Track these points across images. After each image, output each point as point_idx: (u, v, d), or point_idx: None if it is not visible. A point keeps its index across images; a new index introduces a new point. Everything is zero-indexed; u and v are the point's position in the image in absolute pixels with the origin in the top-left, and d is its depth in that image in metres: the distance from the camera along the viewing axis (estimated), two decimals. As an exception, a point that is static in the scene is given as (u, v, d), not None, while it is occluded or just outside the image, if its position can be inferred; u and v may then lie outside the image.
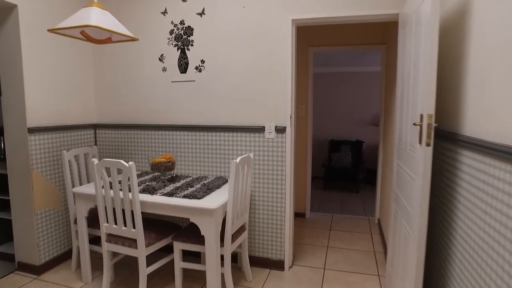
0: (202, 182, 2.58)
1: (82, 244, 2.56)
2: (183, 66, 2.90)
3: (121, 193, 2.26)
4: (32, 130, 2.65)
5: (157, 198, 2.23)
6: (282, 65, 2.64)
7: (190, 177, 2.82)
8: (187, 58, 2.88)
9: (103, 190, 2.27)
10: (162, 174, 2.57)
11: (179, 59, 2.90)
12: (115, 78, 3.17)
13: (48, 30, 2.00)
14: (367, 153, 6.58)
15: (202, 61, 2.84)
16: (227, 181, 2.70)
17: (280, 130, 2.68)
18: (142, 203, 2.23)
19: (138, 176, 2.85)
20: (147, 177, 2.78)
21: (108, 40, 2.21)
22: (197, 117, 2.91)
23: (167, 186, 2.45)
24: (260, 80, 2.70)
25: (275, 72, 2.66)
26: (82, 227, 2.53)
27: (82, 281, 2.65)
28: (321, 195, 5.39)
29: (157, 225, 2.48)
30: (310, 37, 3.93)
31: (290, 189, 2.74)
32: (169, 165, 2.52)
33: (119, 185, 2.35)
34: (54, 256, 2.91)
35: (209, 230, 2.13)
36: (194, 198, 2.21)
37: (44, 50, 2.75)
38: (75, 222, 2.75)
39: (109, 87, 3.21)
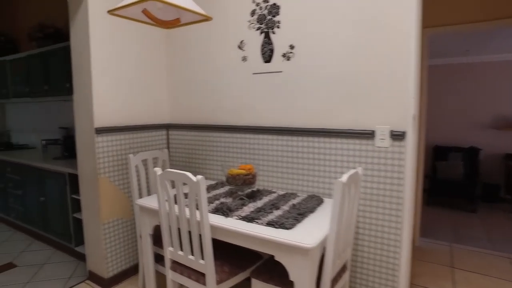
0: (290, 203, 1.98)
1: (147, 265, 2.17)
2: (267, 53, 2.34)
3: (187, 210, 1.78)
4: (99, 131, 2.36)
5: (232, 223, 1.70)
6: (400, 47, 1.89)
7: (275, 193, 2.24)
8: (271, 43, 2.31)
9: (167, 205, 1.82)
10: (239, 189, 2.04)
11: (262, 45, 2.35)
12: (189, 72, 2.76)
13: (108, 12, 1.62)
14: (485, 163, 5.29)
15: (291, 47, 2.24)
16: (322, 201, 2.06)
17: (398, 136, 1.93)
18: (213, 228, 1.72)
19: (212, 187, 2.37)
20: (221, 190, 2.29)
21: (176, 22, 1.76)
22: (283, 117, 2.32)
23: (245, 206, 1.91)
24: (368, 69, 1.99)
25: (390, 58, 1.92)
26: (147, 246, 2.13)
27: (146, 307, 2.27)
28: (427, 213, 4.39)
29: (232, 252, 1.95)
30: (425, 14, 3.05)
31: (409, 216, 1.98)
32: (249, 179, 1.98)
33: (186, 200, 1.88)
34: (122, 270, 2.61)
35: (301, 274, 1.52)
36: (281, 227, 1.62)
37: (113, 45, 2.44)
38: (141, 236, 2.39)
39: (182, 83, 2.82)
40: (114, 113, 2.47)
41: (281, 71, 2.29)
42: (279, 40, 2.28)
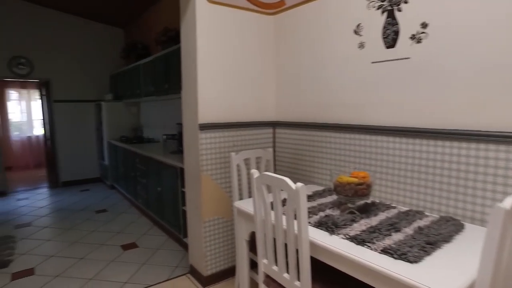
0: (415, 225, 1.53)
1: (241, 272, 2.02)
2: (390, 37, 1.91)
3: (285, 219, 1.53)
4: (203, 127, 2.32)
5: (337, 243, 1.37)
6: None
7: (394, 208, 1.80)
8: (397, 24, 1.87)
9: (263, 212, 1.61)
10: (349, 200, 1.69)
11: (384, 27, 1.93)
12: (297, 64, 2.51)
13: (208, 1, 1.49)
14: None
15: (423, 25, 1.76)
16: (462, 227, 1.54)
17: None
18: (313, 245, 1.42)
19: (318, 195, 2.06)
20: (329, 199, 1.97)
21: (281, 4, 1.52)
22: (411, 115, 1.85)
23: (356, 222, 1.55)
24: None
25: None
26: (242, 252, 1.98)
27: (240, 315, 2.13)
28: None
29: (338, 276, 1.62)
30: None
31: None
32: (362, 189, 1.61)
33: (284, 208, 1.63)
34: (220, 270, 2.55)
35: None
36: (402, 259, 1.22)
37: (219, 41, 2.37)
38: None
39: (290, 76, 2.59)
40: (218, 109, 2.40)
41: (408, 58, 1.83)
42: (407, 19, 1.82)
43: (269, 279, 1.68)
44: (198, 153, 2.34)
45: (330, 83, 2.27)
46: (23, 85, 7.91)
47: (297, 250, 1.42)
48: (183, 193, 3.09)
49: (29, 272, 2.91)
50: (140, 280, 2.69)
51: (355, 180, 1.61)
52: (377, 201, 1.94)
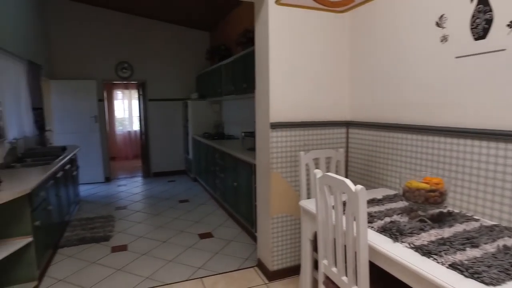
0: (500, 243, 1.34)
1: (304, 271, 2.03)
2: (480, 26, 1.70)
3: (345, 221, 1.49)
4: (274, 126, 2.37)
5: (399, 251, 1.29)
6: None
7: (477, 221, 1.60)
8: (490, 10, 1.65)
9: (324, 213, 1.59)
10: (420, 207, 1.57)
11: (473, 15, 1.72)
12: (372, 62, 2.39)
13: (275, 2, 1.53)
14: None
15: (524, 13, 1.53)
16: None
17: None
18: (373, 250, 1.36)
19: (388, 199, 1.95)
20: (399, 204, 1.85)
21: (349, 1, 1.48)
22: (502, 115, 1.63)
23: (424, 231, 1.44)
24: None
25: None
26: (306, 251, 1.98)
27: (302, 314, 2.14)
28: None
29: (396, 281, 1.52)
30: None
31: None
32: (434, 196, 1.48)
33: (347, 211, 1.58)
34: (286, 266, 2.59)
35: None
36: (475, 278, 1.09)
37: (290, 40, 2.40)
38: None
39: (365, 74, 2.48)
40: (290, 108, 2.43)
41: (503, 49, 1.61)
42: (504, 3, 1.60)
43: (328, 280, 1.67)
44: (268, 151, 2.40)
45: (407, 81, 2.12)
46: (125, 86, 9.04)
47: (356, 254, 1.38)
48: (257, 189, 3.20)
49: (123, 248, 3.35)
50: (212, 267, 2.88)
51: (426, 186, 1.49)
52: (456, 211, 1.76)
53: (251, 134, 4.35)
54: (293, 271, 2.59)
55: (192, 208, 4.63)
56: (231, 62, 4.53)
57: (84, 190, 5.57)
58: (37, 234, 2.61)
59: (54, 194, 3.28)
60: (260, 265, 2.72)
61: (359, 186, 1.28)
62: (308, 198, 2.32)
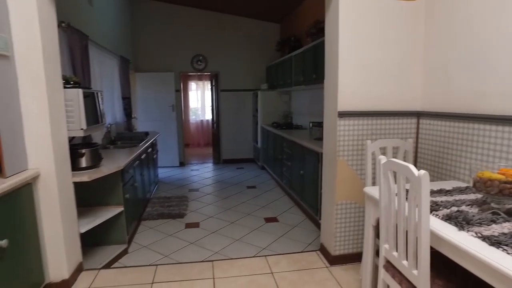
0: None
1: (366, 256, 2.06)
2: None
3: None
4: (342, 114, 2.41)
5: (464, 239, 1.28)
6: None
7: (557, 217, 1.49)
8: None
9: (387, 198, 1.62)
10: (494, 200, 1.50)
11: None
12: (450, 48, 2.27)
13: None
14: None
15: None
16: None
17: None
18: (436, 237, 1.37)
19: (459, 191, 1.88)
20: (470, 196, 1.77)
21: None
22: None
23: (496, 223, 1.39)
24: None
25: None
26: (368, 237, 2.02)
27: (363, 298, 2.18)
28: None
29: (456, 268, 1.50)
30: None
31: None
32: (511, 189, 1.42)
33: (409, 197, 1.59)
34: (348, 252, 2.63)
35: None
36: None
37: (360, 27, 2.40)
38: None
39: (441, 62, 2.36)
40: (358, 97, 2.44)
41: None
42: None
43: (389, 264, 1.69)
44: (335, 139, 2.46)
45: (489, 69, 1.99)
46: (199, 78, 9.63)
47: (417, 238, 1.39)
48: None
49: (196, 225, 3.69)
50: (275, 249, 3.04)
51: (501, 177, 1.42)
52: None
53: (319, 124, 4.38)
54: (355, 257, 2.63)
55: (259, 194, 4.85)
56: (301, 53, 4.60)
57: (161, 172, 6.17)
58: (127, 205, 3.03)
59: (139, 173, 3.74)
60: (323, 250, 2.80)
61: (422, 171, 1.29)
62: (373, 186, 2.32)
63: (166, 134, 6.58)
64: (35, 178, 2.11)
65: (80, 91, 2.37)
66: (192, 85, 9.81)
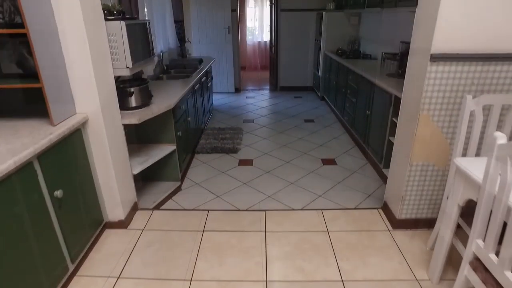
0: None
1: (442, 236, 1.75)
2: None
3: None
4: (435, 58, 1.87)
5: None
6: None
7: None
8: None
9: (496, 188, 1.23)
10: None
11: None
12: None
13: None
14: None
15: None
16: None
17: None
18: None
19: None
20: None
21: None
22: None
23: None
24: None
25: None
26: (450, 217, 1.67)
27: (427, 272, 1.93)
28: None
29: None
30: None
31: None
32: None
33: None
34: (415, 217, 2.33)
35: None
36: None
37: None
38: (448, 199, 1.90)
39: None
40: (463, 35, 1.83)
41: None
42: None
43: (479, 263, 1.38)
44: (422, 88, 1.96)
45: None
46: (258, -8, 8.71)
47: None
48: (393, 122, 2.83)
49: (249, 162, 3.57)
50: (332, 197, 2.83)
51: None
52: None
53: (393, 57, 3.72)
54: (422, 223, 2.32)
55: (317, 130, 4.53)
56: (381, -36, 3.71)
57: (216, 99, 6.01)
58: (179, 142, 2.93)
59: (192, 106, 3.57)
60: (386, 209, 2.52)
61: None
62: (464, 155, 1.88)
63: (221, 58, 6.25)
64: (84, 123, 2.00)
65: (123, 23, 2.08)
66: (250, 1, 8.97)
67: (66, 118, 1.89)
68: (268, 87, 7.20)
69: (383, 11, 3.82)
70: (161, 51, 3.98)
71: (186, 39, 5.32)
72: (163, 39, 4.20)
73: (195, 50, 6.10)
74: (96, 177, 2.15)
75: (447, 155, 2.11)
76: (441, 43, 1.84)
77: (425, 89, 1.95)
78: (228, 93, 6.58)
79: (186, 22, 5.68)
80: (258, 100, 6.12)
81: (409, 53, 2.13)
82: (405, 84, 2.21)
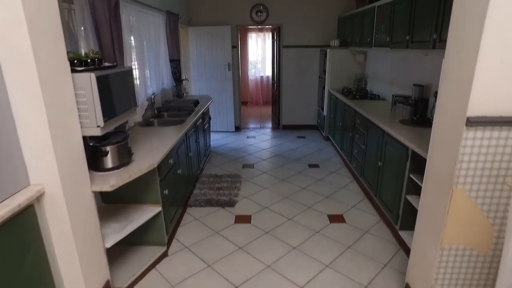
0: None
1: None
2: None
3: None
4: (473, 122, 1.50)
5: None
6: None
7: None
8: None
9: None
10: None
11: None
12: None
13: None
14: None
15: None
16: None
17: None
18: None
19: None
20: None
21: None
22: None
23: None
24: None
25: None
26: None
27: None
28: None
29: None
30: None
31: None
32: None
33: None
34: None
35: None
36: None
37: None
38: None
39: None
40: (508, 93, 1.48)
41: None
42: None
43: None
44: (456, 158, 1.58)
45: None
46: (260, 30, 8.61)
47: None
48: (411, 180, 2.44)
49: (247, 219, 3.15)
50: (341, 268, 2.41)
51: None
52: None
53: (406, 101, 3.39)
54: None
55: (323, 177, 4.12)
56: (390, 4, 3.46)
57: (215, 139, 5.66)
58: (165, 202, 2.55)
59: (184, 154, 3.21)
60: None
61: None
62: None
63: (221, 96, 5.97)
64: (39, 197, 1.62)
65: (93, 75, 1.75)
66: (252, 36, 8.87)
67: (13, 194, 1.52)
68: (270, 125, 6.88)
69: (392, 50, 3.54)
70: (153, 94, 3.68)
71: (183, 77, 5.06)
72: (155, 80, 3.91)
73: (194, 87, 5.85)
74: (54, 263, 1.74)
75: (489, 237, 1.69)
76: (480, 103, 1.47)
77: (460, 159, 1.56)
78: (228, 131, 6.24)
79: (184, 57, 5.45)
80: (259, 141, 5.76)
81: (435, 110, 1.77)
82: (431, 147, 1.83)
